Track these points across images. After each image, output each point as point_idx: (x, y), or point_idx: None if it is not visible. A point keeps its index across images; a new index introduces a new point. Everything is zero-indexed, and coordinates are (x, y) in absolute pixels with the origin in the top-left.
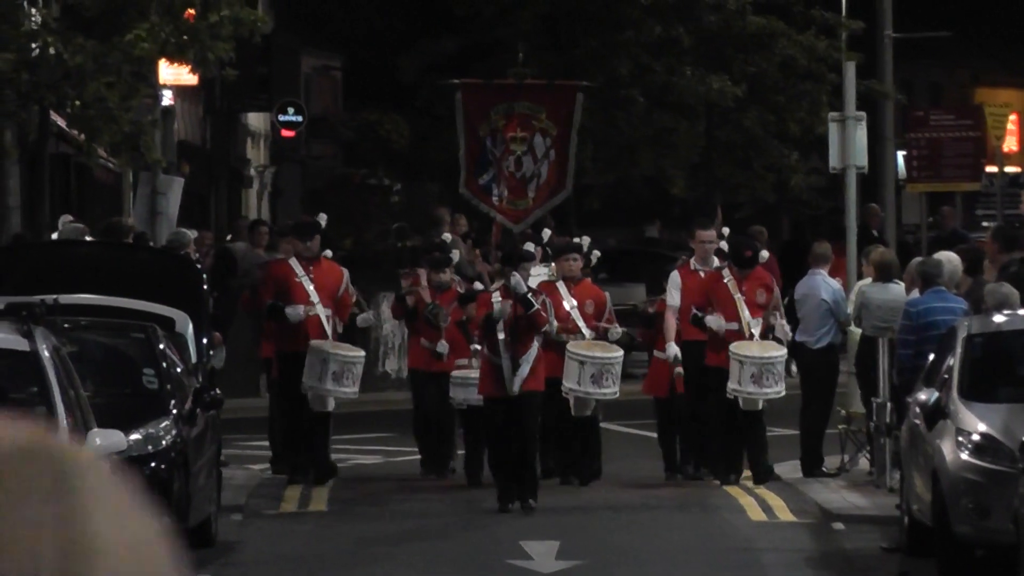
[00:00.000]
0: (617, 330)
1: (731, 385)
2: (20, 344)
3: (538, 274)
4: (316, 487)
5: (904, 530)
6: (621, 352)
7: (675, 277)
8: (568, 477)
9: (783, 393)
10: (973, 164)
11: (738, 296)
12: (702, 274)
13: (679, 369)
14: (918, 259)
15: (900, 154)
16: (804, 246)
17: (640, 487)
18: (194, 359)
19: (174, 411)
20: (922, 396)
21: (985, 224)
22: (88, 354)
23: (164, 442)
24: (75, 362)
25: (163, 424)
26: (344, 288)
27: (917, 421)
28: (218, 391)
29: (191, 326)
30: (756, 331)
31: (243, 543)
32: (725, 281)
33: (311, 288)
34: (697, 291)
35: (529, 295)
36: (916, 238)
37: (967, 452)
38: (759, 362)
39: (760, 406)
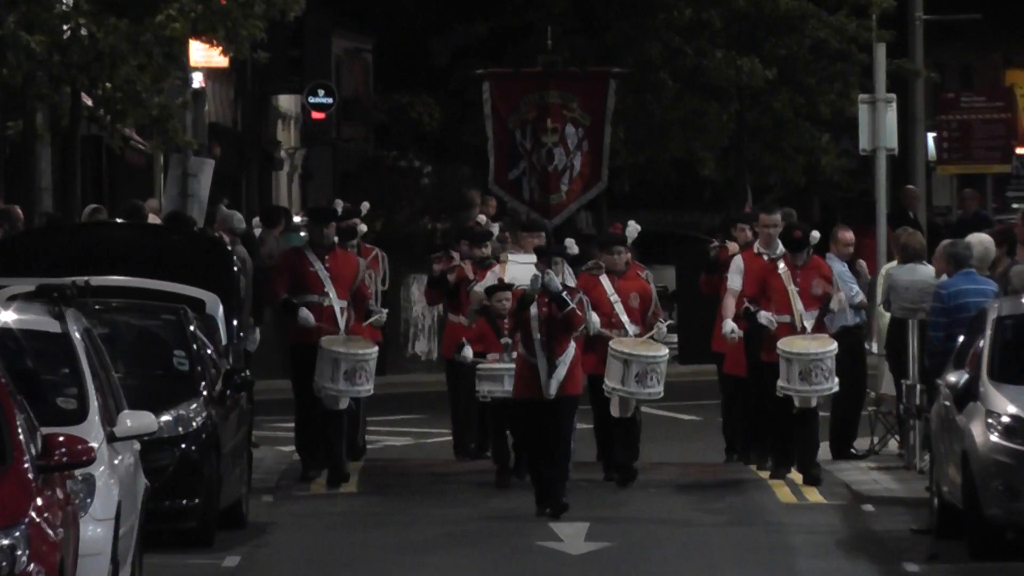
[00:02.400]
0: (663, 328)
1: (780, 383)
2: (51, 326)
3: (528, 260)
4: (329, 488)
5: (934, 512)
6: (666, 351)
7: (738, 261)
8: (610, 474)
9: (836, 388)
10: (1004, 146)
11: (792, 288)
12: (766, 258)
13: (734, 334)
14: (947, 241)
15: (930, 136)
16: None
17: (670, 469)
18: (224, 341)
19: (205, 393)
20: (952, 378)
21: (1015, 206)
22: (119, 336)
23: (195, 424)
24: (106, 344)
25: (194, 406)
26: (361, 278)
27: (947, 403)
28: (248, 372)
29: (221, 308)
30: (809, 324)
31: (274, 524)
32: (779, 272)
33: (326, 278)
34: (760, 275)
35: (565, 292)
36: (946, 220)
37: (997, 434)
38: (806, 359)
39: (814, 403)
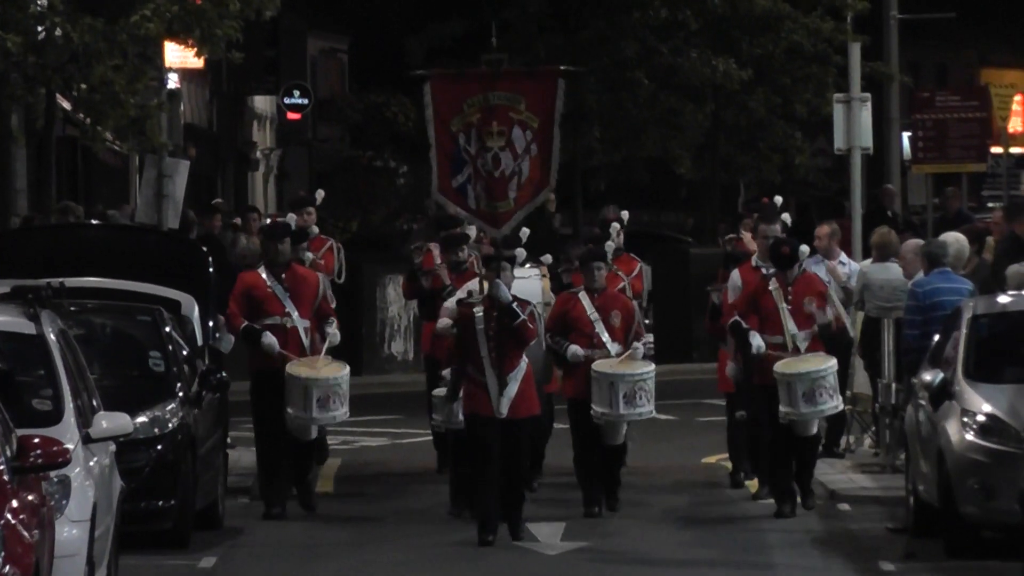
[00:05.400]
0: (641, 349)
1: (783, 409)
2: (26, 327)
3: (525, 275)
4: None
5: (910, 511)
6: (652, 367)
7: (735, 277)
8: (592, 509)
9: (841, 407)
10: (979, 145)
11: (783, 306)
12: (764, 271)
13: (733, 373)
14: (915, 240)
15: (905, 135)
16: (809, 228)
17: (646, 469)
18: (200, 342)
19: (180, 394)
20: (927, 377)
21: (991, 205)
22: (95, 337)
23: (170, 425)
24: (82, 345)
25: (170, 407)
26: (322, 296)
27: (923, 402)
28: (224, 374)
29: (197, 309)
30: (803, 345)
31: (250, 526)
32: (770, 289)
33: (285, 297)
34: (752, 292)
35: (515, 304)
36: (922, 219)
37: (973, 433)
38: (808, 378)
39: (815, 429)
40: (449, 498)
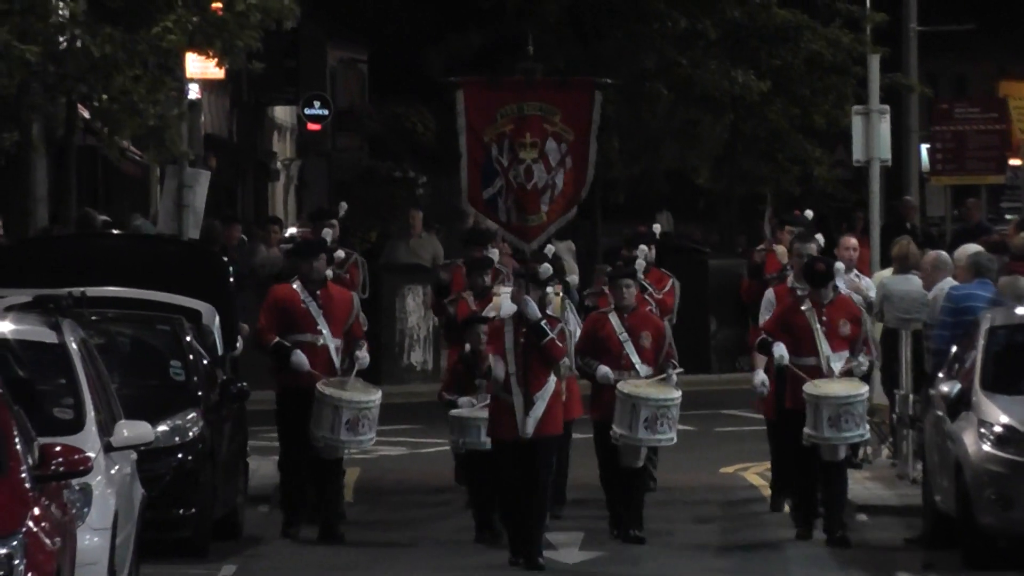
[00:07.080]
0: (674, 376)
1: (807, 430)
2: (48, 336)
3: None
4: (322, 543)
5: (928, 521)
6: (679, 393)
7: (770, 295)
8: (615, 531)
9: (867, 435)
10: (997, 157)
11: (817, 327)
12: (800, 292)
13: (762, 389)
14: (935, 252)
15: (924, 147)
16: (827, 240)
17: (663, 480)
18: (220, 351)
19: (201, 403)
20: (945, 388)
21: (1009, 217)
22: (115, 346)
23: (191, 434)
24: (102, 354)
25: (190, 416)
26: (355, 316)
27: (940, 413)
28: (244, 383)
29: (217, 318)
30: (837, 367)
31: (269, 534)
32: (804, 309)
33: (319, 315)
34: (784, 313)
35: (544, 322)
36: (940, 231)
37: (990, 443)
38: (836, 403)
39: (841, 454)
40: (475, 526)
